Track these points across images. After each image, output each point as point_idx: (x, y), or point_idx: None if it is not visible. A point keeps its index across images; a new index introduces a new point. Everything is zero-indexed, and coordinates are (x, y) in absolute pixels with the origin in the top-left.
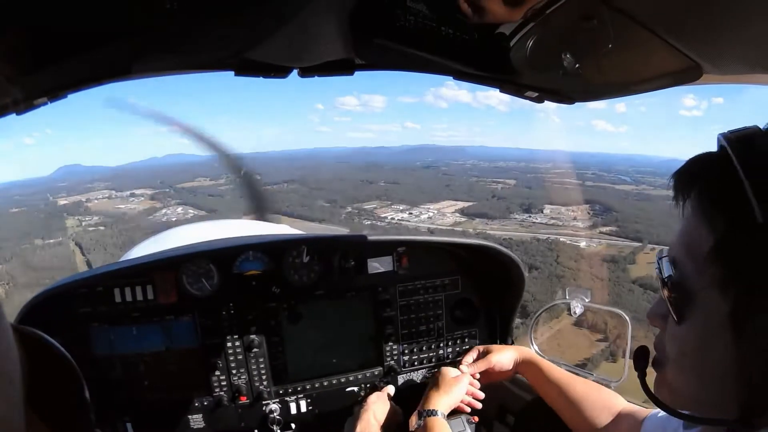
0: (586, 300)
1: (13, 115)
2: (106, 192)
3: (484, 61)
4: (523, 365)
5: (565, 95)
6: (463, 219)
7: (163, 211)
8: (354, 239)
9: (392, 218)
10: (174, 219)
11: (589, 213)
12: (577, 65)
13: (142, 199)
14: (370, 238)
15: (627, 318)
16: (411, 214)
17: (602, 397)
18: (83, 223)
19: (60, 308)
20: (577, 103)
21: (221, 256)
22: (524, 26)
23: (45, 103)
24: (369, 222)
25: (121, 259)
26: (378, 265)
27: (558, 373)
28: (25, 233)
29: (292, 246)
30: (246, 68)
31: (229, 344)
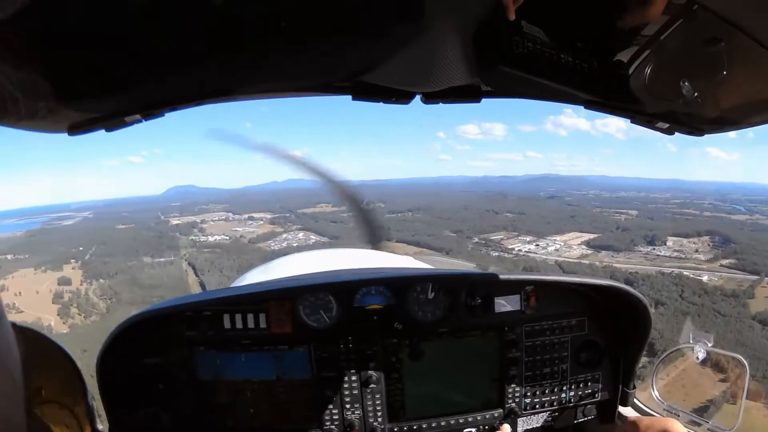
0: (709, 345)
1: (118, 133)
2: (223, 214)
3: (613, 90)
4: None
5: (695, 126)
6: (589, 251)
7: (284, 235)
8: (481, 277)
9: (519, 250)
10: (295, 244)
11: (709, 245)
12: (696, 93)
13: (261, 222)
14: (498, 276)
15: (746, 364)
16: (538, 245)
17: None
18: (197, 244)
19: (163, 329)
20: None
21: (342, 289)
22: (641, 53)
23: (139, 121)
24: (497, 254)
25: (233, 285)
26: (505, 304)
27: None
28: (133, 250)
29: (418, 282)
30: (365, 92)
31: (345, 378)
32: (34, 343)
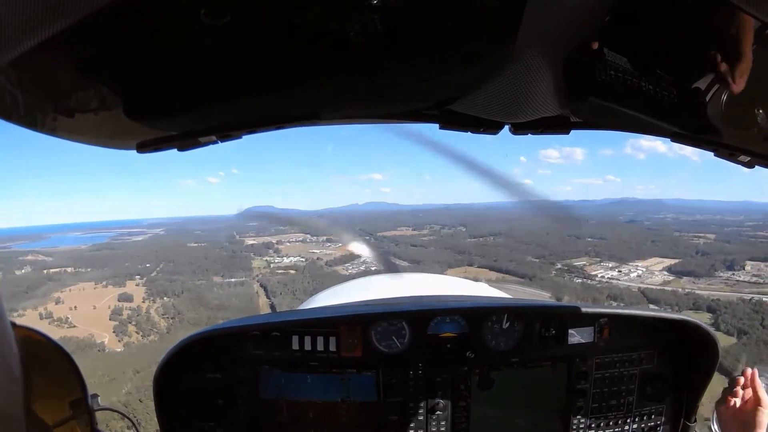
0: None
1: (195, 152)
2: (300, 236)
3: (698, 122)
4: None
5: None
6: (671, 278)
7: (362, 258)
8: (557, 308)
9: (602, 276)
10: (373, 268)
11: None
12: None
13: (340, 245)
14: (573, 307)
15: None
16: (620, 272)
17: None
18: (271, 265)
19: (229, 346)
20: None
21: (417, 317)
22: (718, 80)
23: (214, 142)
24: (580, 280)
25: (303, 306)
26: (579, 336)
27: None
28: (203, 269)
29: (494, 312)
30: (453, 122)
31: (411, 404)
32: (34, 343)
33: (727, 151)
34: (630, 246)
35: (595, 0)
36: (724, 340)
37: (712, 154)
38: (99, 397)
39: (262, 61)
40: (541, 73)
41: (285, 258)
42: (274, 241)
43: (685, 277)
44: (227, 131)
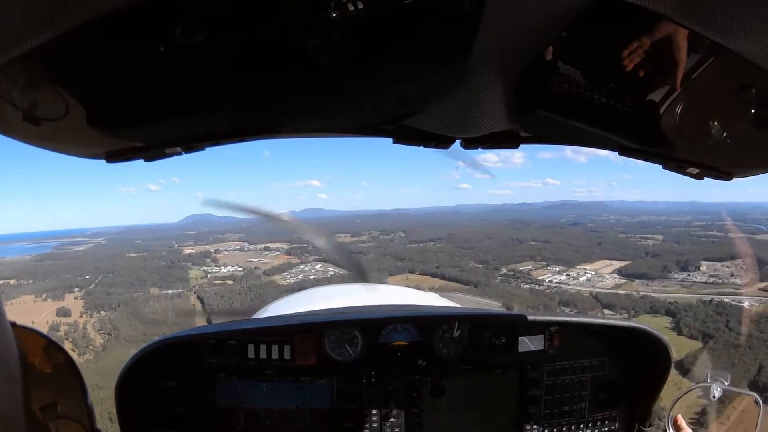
0: (726, 383)
1: (139, 162)
2: (239, 244)
3: (646, 135)
4: None
5: (724, 170)
6: (622, 280)
7: (300, 267)
8: (508, 317)
9: (550, 281)
10: (312, 277)
11: (742, 268)
12: (726, 134)
13: (278, 253)
14: (523, 316)
15: (761, 403)
16: (569, 276)
17: None
18: (209, 275)
19: (185, 354)
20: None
21: (370, 326)
22: (672, 92)
23: (179, 153)
24: (528, 286)
25: (258, 314)
26: (529, 344)
27: None
28: (141, 280)
29: (445, 321)
30: (406, 136)
31: (365, 411)
32: (34, 343)
33: (676, 163)
34: (576, 249)
35: (550, 17)
36: (688, 345)
37: (660, 167)
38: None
39: (225, 76)
40: (492, 88)
41: (222, 267)
42: (212, 250)
43: (637, 280)
44: (192, 143)
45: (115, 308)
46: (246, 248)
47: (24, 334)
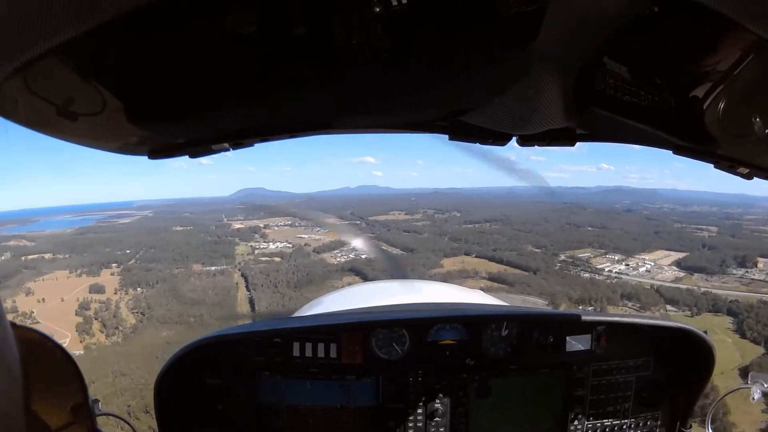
0: (766, 385)
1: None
2: (289, 219)
3: (697, 134)
4: None
5: None
6: (681, 274)
7: (351, 245)
8: (555, 316)
9: (610, 271)
10: (363, 256)
11: None
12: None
13: (328, 230)
14: (570, 315)
15: None
16: (628, 266)
17: None
18: (256, 251)
19: (229, 352)
20: None
21: (417, 325)
22: (715, 89)
23: (226, 150)
24: (587, 275)
25: (301, 312)
26: (576, 343)
27: None
28: (184, 256)
29: (494, 320)
30: (463, 133)
31: (410, 410)
32: (34, 343)
33: (727, 163)
34: (633, 237)
35: (608, 12)
36: (750, 350)
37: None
38: (100, 402)
39: (274, 70)
40: (550, 85)
41: (271, 244)
42: (261, 225)
43: (696, 274)
44: (239, 139)
45: (153, 285)
46: (297, 224)
47: (24, 334)
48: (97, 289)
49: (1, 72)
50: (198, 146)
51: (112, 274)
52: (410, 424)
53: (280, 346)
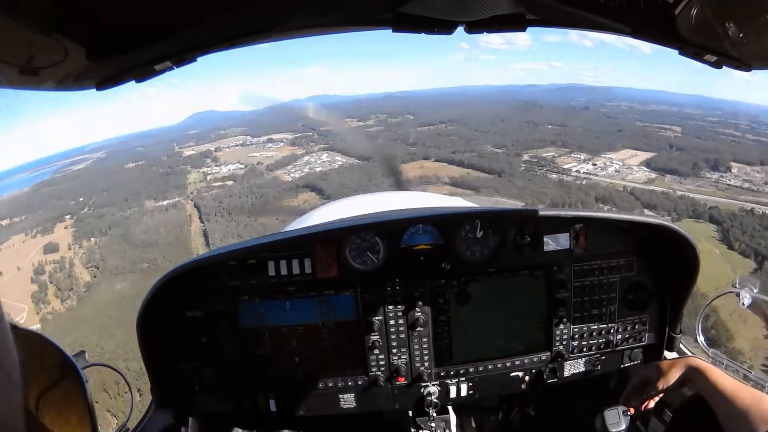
0: (755, 290)
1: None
2: (240, 138)
3: (662, 18)
4: (691, 378)
5: (743, 61)
6: (653, 175)
7: (305, 158)
8: (530, 213)
9: (578, 171)
10: (318, 169)
11: None
12: (743, 28)
13: (281, 144)
14: (546, 213)
15: None
16: (596, 166)
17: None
18: (208, 177)
19: (205, 280)
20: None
21: (389, 229)
22: None
23: (170, 68)
24: (555, 176)
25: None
26: (554, 243)
27: (726, 381)
28: (136, 193)
29: (466, 220)
30: (407, 23)
31: (392, 322)
32: (33, 345)
33: (694, 49)
34: (596, 135)
35: None
36: (741, 264)
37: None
38: (86, 353)
39: None
40: None
41: (223, 167)
42: (212, 149)
43: (669, 176)
44: (181, 55)
45: (106, 232)
46: (248, 142)
47: (24, 336)
48: (52, 248)
49: None
50: (142, 69)
51: (66, 228)
52: (393, 336)
53: (254, 267)
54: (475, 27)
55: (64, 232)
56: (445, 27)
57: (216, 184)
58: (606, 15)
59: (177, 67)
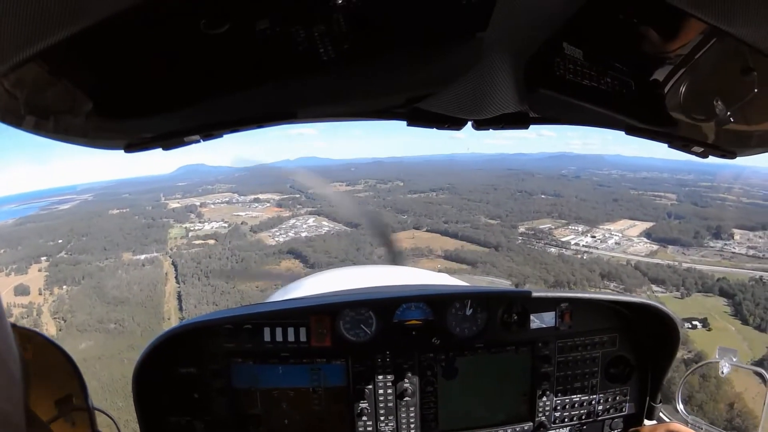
0: (734, 359)
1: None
2: (227, 195)
3: (652, 115)
4: None
5: (728, 149)
6: (654, 246)
7: (291, 221)
8: (519, 294)
9: (577, 243)
10: (304, 234)
11: None
12: (729, 113)
13: (268, 205)
14: (537, 294)
15: (767, 378)
16: (595, 238)
17: None
18: (190, 234)
19: (201, 340)
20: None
21: (383, 305)
22: (676, 72)
23: (197, 141)
24: (555, 250)
25: (271, 299)
26: (540, 321)
27: None
28: (115, 243)
29: (457, 299)
30: (420, 119)
31: (380, 390)
32: (34, 344)
33: (681, 142)
34: (592, 206)
35: (554, 4)
36: (757, 339)
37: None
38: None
39: (241, 64)
40: (502, 71)
41: (206, 224)
42: (198, 204)
43: (671, 246)
44: (210, 131)
45: (79, 282)
46: (234, 200)
47: (25, 335)
48: (22, 290)
49: None
50: (171, 139)
51: (40, 270)
52: (381, 404)
53: (250, 332)
54: (482, 124)
55: (38, 275)
56: (455, 123)
57: (197, 242)
58: (602, 112)
59: (204, 140)
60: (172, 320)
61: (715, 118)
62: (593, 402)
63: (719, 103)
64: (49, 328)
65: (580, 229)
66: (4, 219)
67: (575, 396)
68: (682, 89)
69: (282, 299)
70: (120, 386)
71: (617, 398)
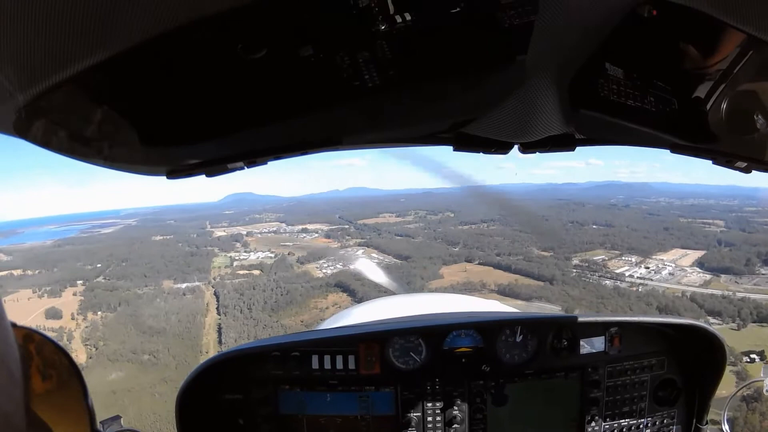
0: None
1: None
2: (275, 225)
3: (695, 132)
4: None
5: None
6: (708, 276)
7: (340, 252)
8: (568, 319)
9: (631, 275)
10: (353, 266)
11: None
12: None
13: (316, 236)
14: (582, 318)
15: None
16: (649, 269)
17: None
18: (234, 263)
19: (248, 367)
20: None
21: (432, 333)
22: (717, 88)
23: (241, 168)
24: (610, 282)
25: (318, 327)
26: (589, 346)
27: None
28: (156, 271)
29: (507, 326)
30: (466, 143)
31: (429, 418)
32: (35, 344)
33: (725, 158)
34: (644, 235)
35: (601, 18)
36: None
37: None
38: (121, 419)
39: (285, 91)
40: (546, 93)
41: (252, 253)
42: (244, 233)
43: (723, 275)
44: (254, 157)
45: (115, 308)
46: (282, 230)
47: (25, 334)
48: (53, 314)
49: (24, 96)
50: (214, 166)
51: (75, 294)
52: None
53: (298, 360)
54: (529, 147)
55: (72, 299)
56: (501, 147)
57: (241, 272)
58: (647, 131)
59: (248, 168)
60: (210, 354)
61: (756, 131)
62: (641, 426)
63: (760, 116)
64: (79, 355)
65: (633, 259)
66: (42, 240)
67: (623, 420)
68: (724, 104)
69: (330, 327)
70: (149, 423)
71: (665, 421)
